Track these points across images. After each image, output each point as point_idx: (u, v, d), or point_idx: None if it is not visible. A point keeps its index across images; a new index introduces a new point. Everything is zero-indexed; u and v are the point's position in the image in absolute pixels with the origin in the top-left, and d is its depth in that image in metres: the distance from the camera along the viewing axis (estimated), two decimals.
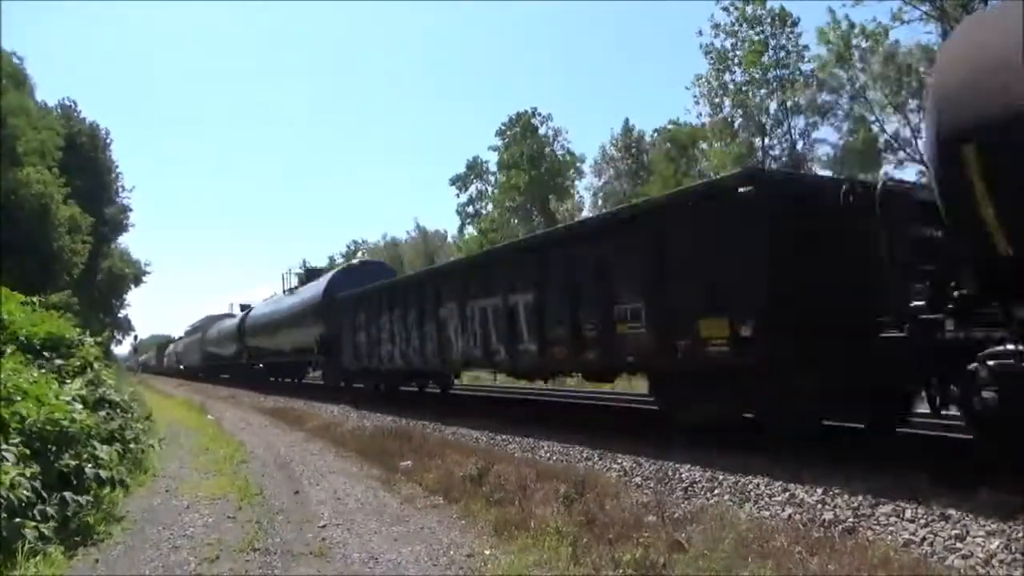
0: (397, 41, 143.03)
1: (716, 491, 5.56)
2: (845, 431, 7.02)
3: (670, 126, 37.51)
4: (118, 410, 8.11)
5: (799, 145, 30.92)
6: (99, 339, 10.21)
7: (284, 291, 26.72)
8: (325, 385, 21.27)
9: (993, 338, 4.65)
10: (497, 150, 47.01)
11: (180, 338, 59.35)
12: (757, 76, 30.59)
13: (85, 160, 39.41)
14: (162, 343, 73.32)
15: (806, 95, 29.18)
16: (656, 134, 39.80)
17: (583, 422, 9.33)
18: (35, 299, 9.69)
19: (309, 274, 25.62)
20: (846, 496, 4.83)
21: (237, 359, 31.34)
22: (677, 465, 6.27)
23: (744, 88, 31.22)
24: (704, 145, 34.27)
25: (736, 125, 31.82)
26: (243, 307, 33.57)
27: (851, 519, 4.54)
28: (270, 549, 4.80)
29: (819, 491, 5.02)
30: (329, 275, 20.98)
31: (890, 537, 4.18)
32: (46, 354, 7.84)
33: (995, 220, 4.37)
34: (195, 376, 44.21)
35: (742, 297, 6.16)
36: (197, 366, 43.12)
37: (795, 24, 29.77)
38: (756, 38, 30.32)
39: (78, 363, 8.25)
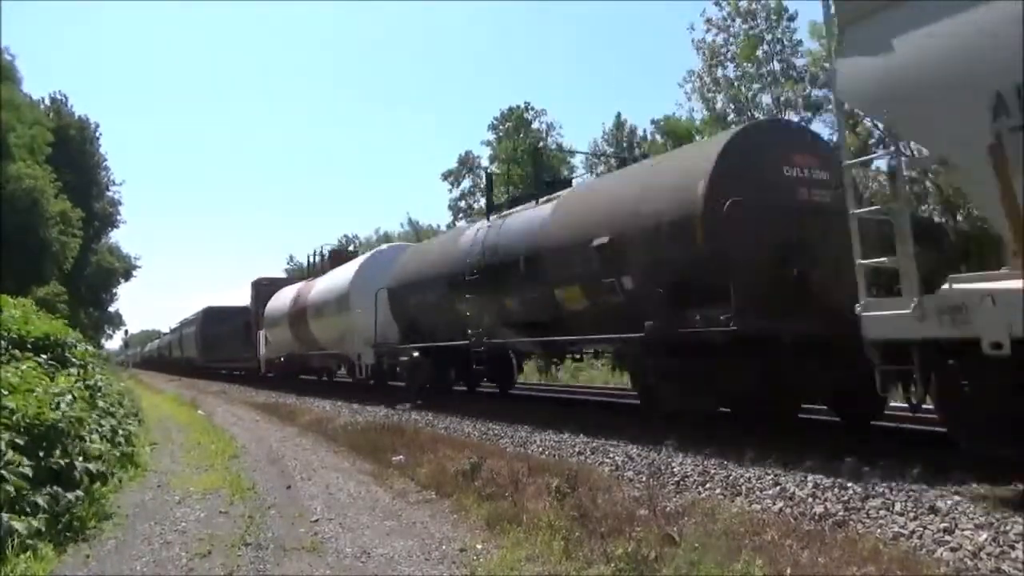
0: (389, 35, 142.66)
1: (707, 485, 5.57)
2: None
3: (665, 119, 37.42)
4: (110, 406, 8.08)
5: None
6: (93, 348, 10.18)
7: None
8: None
9: None
10: (489, 145, 46.85)
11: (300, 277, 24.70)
12: (751, 71, 30.55)
13: (74, 154, 39.16)
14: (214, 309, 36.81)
15: (796, 91, 29.13)
16: (652, 125, 39.70)
17: (575, 417, 9.33)
18: (29, 298, 9.65)
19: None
20: (836, 489, 4.86)
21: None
22: (669, 459, 6.29)
23: (737, 83, 31.19)
24: (699, 138, 34.23)
25: (728, 120, 31.78)
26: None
27: (841, 512, 4.56)
28: (262, 544, 4.80)
29: (810, 484, 5.05)
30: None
31: (880, 530, 4.20)
32: (44, 355, 7.79)
33: None
34: None
35: None
36: None
37: (792, 19, 29.74)
38: (750, 33, 30.25)
39: (72, 361, 8.21)
